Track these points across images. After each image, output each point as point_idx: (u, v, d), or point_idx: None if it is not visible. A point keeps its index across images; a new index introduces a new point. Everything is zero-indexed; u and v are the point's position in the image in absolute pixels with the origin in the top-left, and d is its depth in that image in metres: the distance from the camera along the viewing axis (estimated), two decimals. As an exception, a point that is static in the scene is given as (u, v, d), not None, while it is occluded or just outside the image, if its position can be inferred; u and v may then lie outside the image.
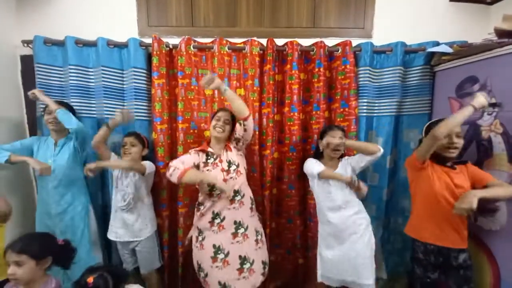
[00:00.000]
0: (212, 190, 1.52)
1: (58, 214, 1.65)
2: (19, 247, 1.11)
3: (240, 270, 1.51)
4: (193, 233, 1.64)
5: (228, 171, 1.55)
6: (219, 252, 1.51)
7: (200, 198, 1.61)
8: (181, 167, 1.43)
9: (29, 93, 1.68)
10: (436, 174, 1.41)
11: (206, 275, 1.52)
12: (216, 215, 1.54)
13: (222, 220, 1.53)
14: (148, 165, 1.68)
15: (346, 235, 1.57)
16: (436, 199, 1.39)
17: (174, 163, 1.46)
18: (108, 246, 1.96)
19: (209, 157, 1.59)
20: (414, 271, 1.50)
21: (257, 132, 1.88)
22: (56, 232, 1.65)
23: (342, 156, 1.71)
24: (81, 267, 1.60)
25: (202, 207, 1.58)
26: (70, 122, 1.60)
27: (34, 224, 1.73)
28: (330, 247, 1.62)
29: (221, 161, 1.57)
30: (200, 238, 1.57)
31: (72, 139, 1.69)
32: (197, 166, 1.57)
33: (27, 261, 1.11)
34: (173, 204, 1.91)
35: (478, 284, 1.50)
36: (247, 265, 1.53)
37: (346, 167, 1.63)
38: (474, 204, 1.22)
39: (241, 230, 1.55)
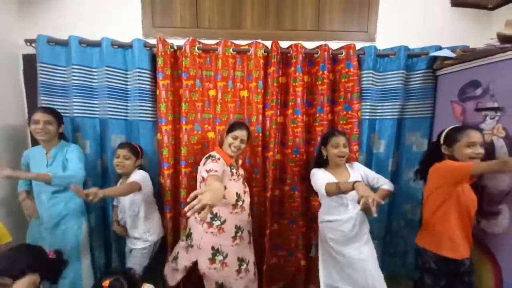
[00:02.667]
0: (237, 201, 1.53)
1: (50, 228, 1.58)
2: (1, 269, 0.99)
3: (238, 271, 1.60)
4: (201, 256, 1.56)
5: (245, 184, 1.67)
6: (243, 263, 1.60)
7: (217, 210, 1.54)
8: (206, 175, 1.39)
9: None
10: (468, 185, 1.37)
11: None
12: (238, 229, 1.58)
13: (242, 232, 1.61)
14: (141, 178, 1.63)
15: (352, 242, 1.56)
16: (466, 209, 1.36)
17: (204, 175, 1.42)
18: (108, 248, 1.95)
19: (232, 167, 1.61)
20: (423, 281, 1.45)
21: (260, 134, 1.89)
22: (45, 245, 1.55)
23: (347, 161, 1.68)
24: (66, 284, 1.57)
25: (221, 221, 1.53)
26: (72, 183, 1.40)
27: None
28: (336, 255, 1.59)
29: (239, 175, 1.65)
30: (220, 258, 1.53)
31: (65, 150, 1.62)
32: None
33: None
34: (176, 206, 1.91)
35: (480, 287, 1.51)
36: (244, 266, 1.62)
37: (358, 177, 1.59)
38: None
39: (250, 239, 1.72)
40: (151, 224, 1.72)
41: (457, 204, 1.36)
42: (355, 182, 1.33)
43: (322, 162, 1.65)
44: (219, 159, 1.53)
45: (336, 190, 1.41)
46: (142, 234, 1.68)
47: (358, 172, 1.63)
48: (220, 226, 1.53)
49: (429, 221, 1.48)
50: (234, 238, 1.56)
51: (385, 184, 1.61)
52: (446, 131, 1.45)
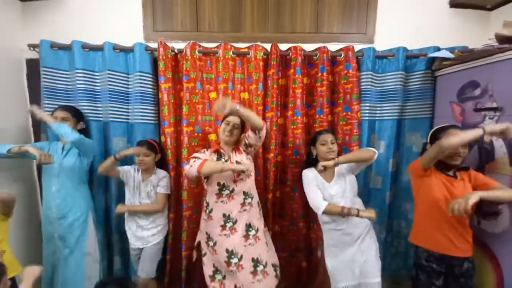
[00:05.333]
0: (221, 191, 1.54)
1: (58, 219, 1.64)
2: None
3: (254, 273, 1.52)
4: (201, 238, 1.65)
5: (238, 173, 1.56)
6: (233, 256, 1.52)
7: (208, 199, 1.61)
8: (201, 157, 1.49)
9: (28, 108, 1.78)
10: (437, 182, 1.41)
11: (224, 277, 1.54)
12: (228, 218, 1.55)
13: (234, 223, 1.55)
14: (165, 186, 1.77)
15: (353, 238, 1.57)
16: (437, 205, 1.38)
17: (194, 156, 1.54)
18: (110, 249, 1.96)
19: (220, 157, 1.61)
20: (418, 277, 1.47)
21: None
22: (54, 236, 1.66)
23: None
24: (68, 279, 1.62)
25: (209, 209, 1.58)
26: (67, 135, 1.58)
27: (38, 226, 1.74)
28: (338, 254, 1.60)
29: (231, 163, 1.57)
30: (211, 244, 1.57)
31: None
32: None
33: None
34: (178, 207, 1.92)
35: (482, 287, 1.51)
36: (260, 267, 1.54)
37: (344, 175, 1.62)
38: (469, 203, 1.16)
39: (252, 232, 1.57)
40: (161, 220, 1.80)
41: (428, 198, 1.41)
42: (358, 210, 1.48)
43: (312, 162, 1.67)
44: (204, 152, 1.64)
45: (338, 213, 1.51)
46: (158, 226, 1.76)
47: (342, 166, 1.62)
48: (209, 214, 1.57)
49: (416, 217, 1.54)
50: (223, 227, 1.54)
51: None
52: (432, 130, 1.50)
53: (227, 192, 1.54)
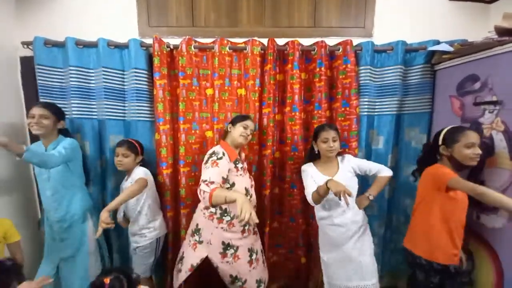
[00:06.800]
0: (246, 195, 1.54)
1: (57, 222, 1.63)
2: None
3: (263, 261, 1.72)
4: (211, 250, 1.58)
5: (251, 178, 1.67)
6: (253, 254, 1.62)
7: (225, 206, 1.55)
8: (208, 190, 1.32)
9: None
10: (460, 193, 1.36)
11: (244, 281, 1.58)
12: (247, 222, 1.55)
13: (250, 225, 1.62)
14: (144, 174, 1.66)
15: (348, 236, 1.56)
16: (458, 210, 1.37)
17: (203, 187, 1.35)
18: (109, 247, 1.95)
19: (237, 162, 1.59)
20: (415, 276, 1.46)
21: (257, 132, 1.88)
22: (57, 239, 1.64)
23: (339, 153, 1.68)
24: (74, 279, 1.62)
25: (230, 216, 1.55)
26: (46, 163, 1.39)
27: (36, 227, 1.73)
28: (332, 251, 1.60)
29: (245, 168, 1.64)
30: (231, 251, 1.56)
31: (60, 144, 1.57)
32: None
33: None
34: (176, 205, 1.91)
35: (481, 283, 1.51)
36: (260, 255, 1.71)
37: (349, 170, 1.61)
38: None
39: (255, 229, 1.71)
40: (152, 220, 1.73)
41: (447, 210, 1.37)
42: (327, 182, 1.38)
43: (315, 156, 1.66)
44: (221, 158, 1.49)
45: (318, 197, 1.46)
46: (142, 229, 1.69)
47: (348, 164, 1.62)
48: (230, 221, 1.55)
49: (418, 226, 1.49)
50: (243, 231, 1.58)
51: (381, 171, 1.61)
52: (444, 132, 1.44)
53: (248, 197, 1.56)
